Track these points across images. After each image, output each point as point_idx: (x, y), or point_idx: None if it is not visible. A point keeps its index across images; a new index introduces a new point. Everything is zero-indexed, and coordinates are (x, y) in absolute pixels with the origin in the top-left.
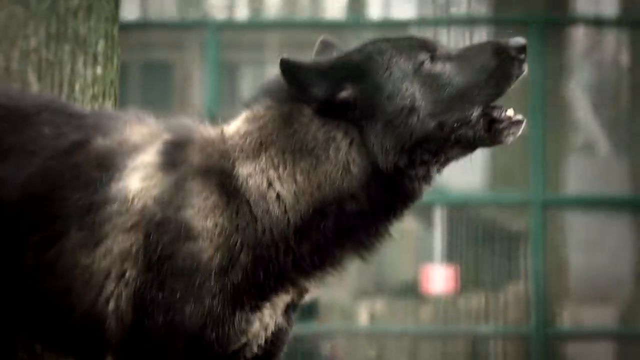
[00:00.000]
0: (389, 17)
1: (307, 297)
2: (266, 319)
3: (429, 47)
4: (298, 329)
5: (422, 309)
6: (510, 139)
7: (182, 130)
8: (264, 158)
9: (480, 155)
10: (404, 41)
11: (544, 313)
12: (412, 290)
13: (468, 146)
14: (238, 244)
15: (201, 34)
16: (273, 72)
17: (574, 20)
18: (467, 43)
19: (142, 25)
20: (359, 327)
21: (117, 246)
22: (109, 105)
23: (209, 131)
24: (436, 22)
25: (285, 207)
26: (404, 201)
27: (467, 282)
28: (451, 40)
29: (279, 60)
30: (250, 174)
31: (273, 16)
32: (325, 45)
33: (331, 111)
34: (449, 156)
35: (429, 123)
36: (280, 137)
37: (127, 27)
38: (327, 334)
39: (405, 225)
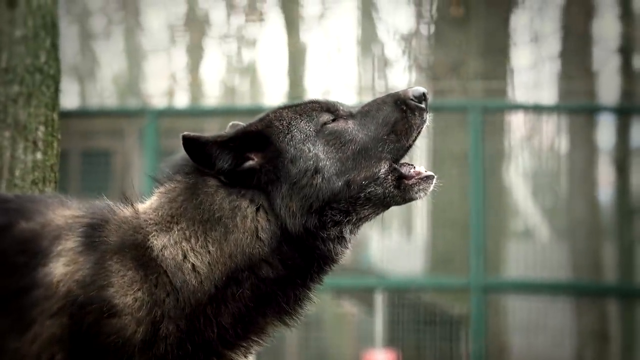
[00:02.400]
0: None
1: None
2: None
3: (330, 107)
4: None
5: None
6: (421, 195)
7: (100, 212)
8: (175, 230)
9: (420, 240)
10: (305, 105)
11: None
12: None
13: (379, 204)
14: (159, 316)
15: (140, 122)
16: None
17: (512, 107)
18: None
19: (83, 114)
20: None
21: (46, 331)
22: (49, 190)
23: (124, 210)
24: None
25: (201, 278)
26: (319, 265)
27: None
28: None
29: (180, 137)
30: (165, 245)
31: (212, 103)
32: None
33: (237, 180)
34: (362, 215)
35: (336, 182)
36: (188, 209)
37: (67, 115)
38: None
39: (346, 310)
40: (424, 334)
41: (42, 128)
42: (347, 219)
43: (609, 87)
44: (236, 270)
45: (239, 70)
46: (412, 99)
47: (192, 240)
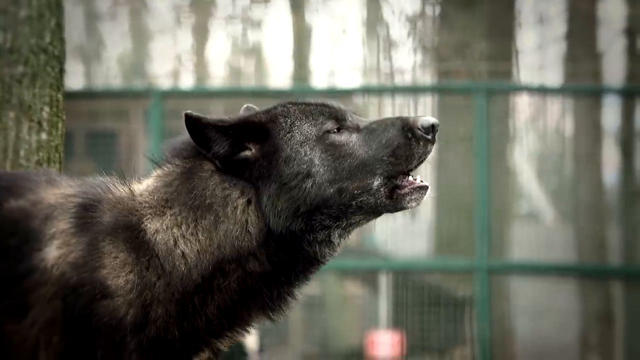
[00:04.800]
0: (333, 85)
1: None
2: None
3: (338, 116)
4: None
5: None
6: (413, 204)
7: (92, 191)
8: (168, 215)
9: (425, 222)
10: (314, 107)
11: None
12: (357, 356)
13: (371, 212)
14: (149, 299)
15: (146, 103)
16: None
17: (517, 89)
18: (412, 111)
19: (88, 94)
20: None
21: (42, 316)
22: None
23: (119, 189)
24: (381, 91)
25: (189, 266)
26: (304, 265)
27: (413, 347)
28: (396, 108)
29: (183, 115)
30: (158, 230)
31: (218, 85)
32: (248, 110)
33: (232, 168)
34: (352, 221)
35: (327, 189)
36: (182, 193)
37: (73, 96)
38: None
39: (351, 291)
40: (428, 316)
41: (46, 108)
42: (337, 224)
43: (614, 69)
44: (223, 261)
45: (244, 51)
46: (419, 128)
47: (183, 227)
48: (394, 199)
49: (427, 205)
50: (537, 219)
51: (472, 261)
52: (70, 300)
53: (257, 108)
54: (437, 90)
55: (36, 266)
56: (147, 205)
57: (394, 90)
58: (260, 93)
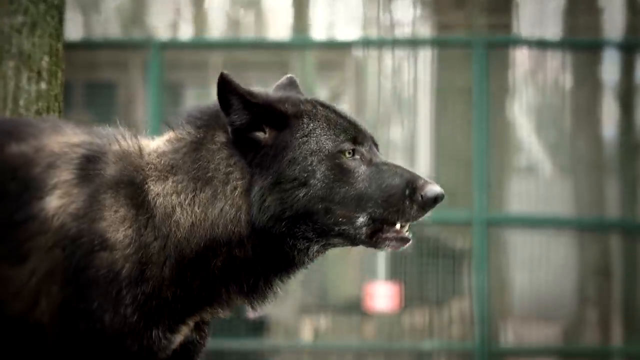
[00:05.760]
0: (333, 38)
1: (256, 315)
2: (180, 338)
3: (358, 139)
4: (245, 345)
5: (365, 326)
6: (389, 250)
7: (99, 141)
8: (170, 181)
9: (424, 174)
10: (342, 120)
11: (487, 330)
12: (356, 307)
13: (349, 241)
14: (145, 257)
15: (145, 54)
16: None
17: (517, 42)
18: (411, 64)
19: (87, 45)
20: (303, 344)
21: (42, 265)
22: None
23: (127, 143)
24: (380, 43)
25: (183, 235)
26: (282, 265)
27: (411, 299)
28: (395, 61)
29: (218, 75)
30: (159, 193)
31: (217, 36)
32: (290, 83)
33: (240, 144)
34: (330, 242)
35: (316, 204)
36: (187, 162)
37: (71, 47)
38: (271, 349)
39: None
40: (426, 268)
41: (46, 58)
42: (317, 239)
43: (614, 22)
44: (214, 240)
45: (243, 3)
46: (421, 195)
47: (182, 196)
48: (373, 240)
49: (425, 157)
50: (535, 172)
51: (471, 214)
52: (69, 251)
53: (297, 80)
54: (437, 43)
55: (36, 215)
56: (153, 167)
57: (394, 43)
58: (260, 44)
